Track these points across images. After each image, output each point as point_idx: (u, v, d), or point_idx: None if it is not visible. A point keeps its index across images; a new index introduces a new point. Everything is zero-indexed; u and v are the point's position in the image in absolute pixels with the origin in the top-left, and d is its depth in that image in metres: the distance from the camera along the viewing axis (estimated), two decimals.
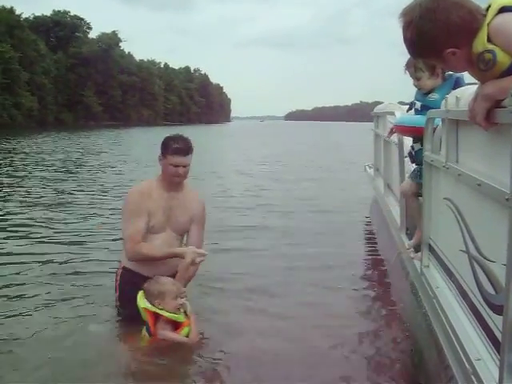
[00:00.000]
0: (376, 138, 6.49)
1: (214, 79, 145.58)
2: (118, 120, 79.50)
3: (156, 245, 3.42)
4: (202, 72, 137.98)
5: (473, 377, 1.77)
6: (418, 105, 3.33)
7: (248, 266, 4.97)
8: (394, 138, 4.21)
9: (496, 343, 1.70)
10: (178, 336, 3.14)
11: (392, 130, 3.91)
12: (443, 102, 2.40)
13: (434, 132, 2.69)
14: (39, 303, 3.83)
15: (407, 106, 4.09)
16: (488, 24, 1.54)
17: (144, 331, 3.16)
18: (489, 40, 1.54)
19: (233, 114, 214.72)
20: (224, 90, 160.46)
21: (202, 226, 3.65)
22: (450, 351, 2.08)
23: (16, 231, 6.39)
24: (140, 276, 3.35)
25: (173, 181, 3.49)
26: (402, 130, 3.55)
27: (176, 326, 3.17)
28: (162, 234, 3.47)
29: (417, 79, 3.24)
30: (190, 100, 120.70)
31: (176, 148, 3.42)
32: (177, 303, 3.15)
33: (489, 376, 1.69)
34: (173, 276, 3.35)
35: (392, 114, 4.46)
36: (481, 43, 1.56)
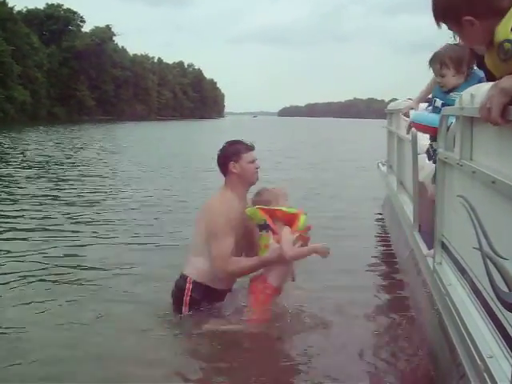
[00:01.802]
0: (389, 135, 6.43)
1: (207, 74, 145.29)
2: (112, 114, 79.13)
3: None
4: (196, 67, 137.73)
5: (485, 374, 1.76)
6: (439, 103, 3.28)
7: None
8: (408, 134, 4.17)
9: (509, 340, 1.70)
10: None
11: (410, 125, 3.85)
12: (457, 99, 2.39)
13: (447, 129, 2.67)
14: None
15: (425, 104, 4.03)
16: None
17: (262, 234, 3.30)
18: None
19: (226, 110, 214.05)
20: (218, 86, 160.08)
21: None
22: (462, 348, 2.07)
23: None
24: (211, 288, 3.43)
25: (254, 179, 3.53)
26: (418, 128, 3.50)
27: (291, 223, 3.27)
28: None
29: (441, 76, 3.19)
30: (183, 95, 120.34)
31: (246, 145, 3.53)
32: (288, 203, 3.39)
33: (501, 373, 1.68)
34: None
35: None
36: (504, 32, 1.53)
